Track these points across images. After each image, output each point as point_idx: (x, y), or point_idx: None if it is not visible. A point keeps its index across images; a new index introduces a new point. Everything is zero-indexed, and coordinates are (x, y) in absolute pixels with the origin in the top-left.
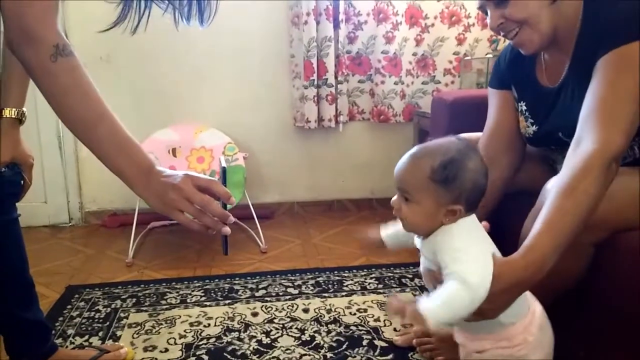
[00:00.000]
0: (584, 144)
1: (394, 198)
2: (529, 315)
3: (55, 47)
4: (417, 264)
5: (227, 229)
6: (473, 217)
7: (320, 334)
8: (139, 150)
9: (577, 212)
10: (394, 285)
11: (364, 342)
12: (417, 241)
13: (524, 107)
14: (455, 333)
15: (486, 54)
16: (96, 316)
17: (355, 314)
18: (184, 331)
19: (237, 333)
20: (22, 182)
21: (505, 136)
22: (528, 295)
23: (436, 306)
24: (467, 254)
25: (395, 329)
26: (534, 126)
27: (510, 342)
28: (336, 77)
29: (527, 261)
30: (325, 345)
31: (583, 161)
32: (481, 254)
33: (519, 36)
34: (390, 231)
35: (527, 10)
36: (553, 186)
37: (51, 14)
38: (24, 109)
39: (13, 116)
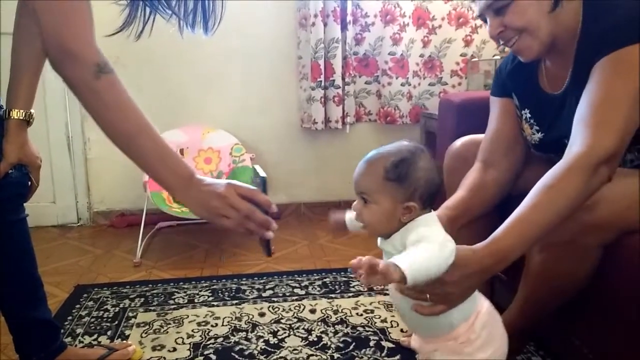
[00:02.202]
0: (573, 147)
1: (354, 203)
2: (472, 317)
3: (97, 66)
4: None
5: (270, 234)
6: (433, 214)
7: (327, 334)
8: (179, 160)
9: (550, 209)
10: None
11: (371, 343)
12: (380, 242)
13: (528, 115)
14: (412, 340)
15: (493, 56)
16: (105, 315)
17: (362, 314)
18: (192, 331)
19: (244, 333)
20: (29, 183)
21: (505, 142)
22: (476, 293)
23: (410, 258)
24: (432, 230)
25: (402, 330)
26: (540, 133)
27: (456, 341)
28: (343, 79)
29: (492, 250)
30: (332, 345)
31: (567, 162)
32: (443, 232)
33: (518, 44)
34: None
35: (525, 18)
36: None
37: (88, 30)
38: (32, 110)
39: (21, 117)
